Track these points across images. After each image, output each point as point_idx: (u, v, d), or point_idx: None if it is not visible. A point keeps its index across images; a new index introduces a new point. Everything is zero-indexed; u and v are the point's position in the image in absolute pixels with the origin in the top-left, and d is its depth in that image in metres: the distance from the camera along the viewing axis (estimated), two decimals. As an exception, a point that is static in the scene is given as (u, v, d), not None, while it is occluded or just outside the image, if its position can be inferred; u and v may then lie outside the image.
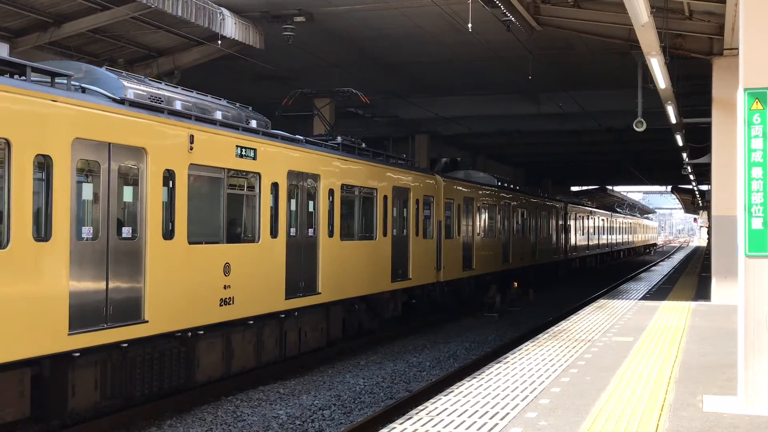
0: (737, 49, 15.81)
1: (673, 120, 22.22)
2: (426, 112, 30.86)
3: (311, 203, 15.06)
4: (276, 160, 13.75)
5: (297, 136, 15.21)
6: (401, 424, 7.22)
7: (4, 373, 8.67)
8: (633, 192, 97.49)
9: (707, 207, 41.27)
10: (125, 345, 10.31)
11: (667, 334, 13.04)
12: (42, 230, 9.12)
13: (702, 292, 21.12)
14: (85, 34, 18.23)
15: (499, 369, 9.94)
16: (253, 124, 13.67)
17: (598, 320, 15.09)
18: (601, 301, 19.20)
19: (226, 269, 12.25)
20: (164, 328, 10.97)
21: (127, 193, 10.46)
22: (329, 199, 15.66)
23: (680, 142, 27.14)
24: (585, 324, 14.52)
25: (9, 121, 8.61)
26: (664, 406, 7.92)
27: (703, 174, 36.33)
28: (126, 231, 10.41)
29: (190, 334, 11.62)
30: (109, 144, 10.01)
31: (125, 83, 10.98)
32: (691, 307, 17.44)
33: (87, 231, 9.77)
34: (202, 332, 11.86)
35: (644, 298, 20.31)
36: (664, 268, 40.47)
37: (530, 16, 17.72)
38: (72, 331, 9.35)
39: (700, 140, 23.47)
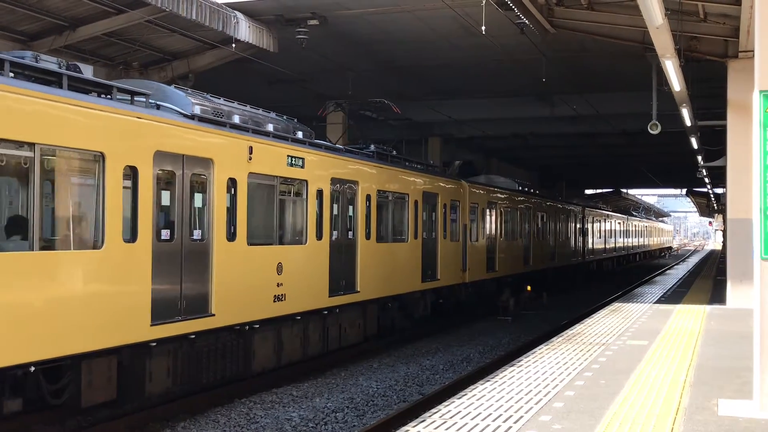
0: (752, 51, 15.72)
1: (688, 123, 22.12)
2: (439, 115, 30.84)
3: (351, 208, 16.26)
4: (321, 168, 15.03)
5: (337, 145, 16.66)
6: (414, 426, 7.21)
7: (97, 359, 9.84)
8: (648, 195, 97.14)
9: (722, 210, 41.07)
10: (193, 336, 11.39)
11: (682, 338, 12.97)
12: (130, 233, 10.26)
13: (717, 295, 20.99)
14: (100, 38, 18.32)
15: (512, 372, 9.92)
16: (299, 134, 14.84)
17: (612, 323, 15.02)
18: (616, 305, 19.11)
19: (279, 269, 13.49)
20: (228, 321, 12.15)
21: (198, 199, 11.70)
22: (366, 203, 16.83)
23: (695, 145, 27.01)
24: (599, 327, 14.46)
25: (104, 136, 9.80)
26: (679, 409, 7.88)
27: (719, 177, 36.08)
28: (196, 233, 11.65)
29: (248, 327, 12.73)
30: (183, 155, 11.27)
31: (192, 100, 12.10)
32: (706, 311, 17.34)
33: (166, 233, 10.94)
34: (257, 326, 12.98)
35: (659, 301, 20.21)
36: (679, 271, 40.27)
37: (544, 18, 17.68)
38: (153, 322, 10.54)
39: (715, 143, 23.37)
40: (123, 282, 10.13)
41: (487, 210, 25.05)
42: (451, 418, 7.55)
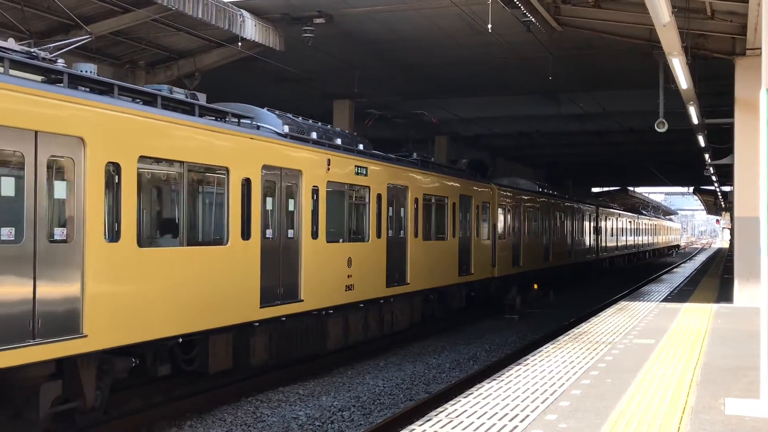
0: (760, 49, 15.64)
1: (695, 120, 22.05)
2: (446, 113, 30.82)
3: (402, 210, 18.38)
4: (380, 176, 17.17)
5: (389, 155, 18.58)
6: (420, 425, 7.21)
7: (219, 335, 12.02)
8: (655, 193, 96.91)
9: (730, 208, 40.96)
10: (284, 318, 13.46)
11: (689, 337, 12.94)
12: (245, 232, 12.47)
13: (724, 294, 20.94)
14: (106, 37, 18.36)
15: (519, 371, 9.91)
16: (360, 146, 16.83)
17: (619, 322, 15.00)
18: (622, 303, 19.08)
19: (349, 262, 15.71)
20: (313, 306, 14.38)
21: (291, 204, 13.92)
22: (414, 206, 18.92)
23: (702, 143, 26.94)
24: (606, 326, 14.43)
25: (229, 154, 12.08)
26: (686, 408, 7.85)
27: (726, 175, 36.00)
28: (291, 233, 13.84)
29: (324, 312, 14.89)
30: (281, 168, 13.49)
31: (281, 120, 14.31)
32: (713, 310, 17.30)
33: (269, 233, 13.17)
34: (331, 311, 15.12)
35: (666, 300, 20.16)
36: (686, 269, 40.18)
37: (550, 16, 17.65)
38: (262, 305, 12.80)
39: (723, 141, 23.29)
40: (241, 272, 12.37)
41: (513, 210, 27.26)
42: (457, 416, 7.55)
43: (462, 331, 21.60)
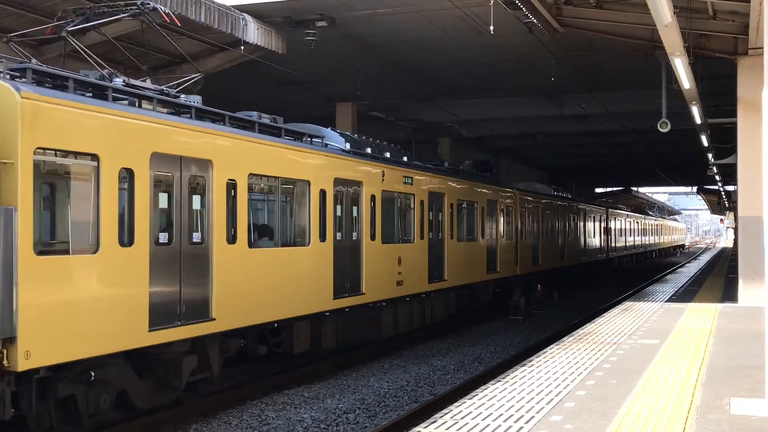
0: (762, 48, 15.63)
1: (698, 120, 22.04)
2: (448, 115, 30.82)
3: (440, 214, 20.32)
4: (422, 184, 19.25)
5: (428, 164, 20.60)
6: (425, 427, 7.22)
7: (301, 322, 14.18)
8: (658, 193, 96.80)
9: (733, 208, 40.90)
10: (347, 309, 15.52)
11: (694, 337, 12.94)
12: (322, 235, 14.65)
13: (729, 293, 20.91)
14: (109, 42, 18.37)
15: (523, 372, 9.91)
16: (404, 158, 19.08)
17: (623, 323, 14.99)
18: (627, 304, 19.07)
19: (399, 261, 17.73)
20: (372, 299, 16.50)
21: (354, 211, 16.06)
22: (450, 210, 20.92)
23: (705, 143, 26.92)
24: (610, 327, 14.43)
25: (310, 169, 14.41)
26: (691, 409, 7.85)
27: (729, 174, 35.95)
28: (354, 235, 16.00)
29: (378, 304, 16.88)
30: (347, 180, 15.68)
31: (343, 138, 16.60)
32: (717, 309, 17.28)
33: (339, 235, 15.33)
34: (384, 303, 17.15)
35: (670, 300, 20.15)
36: (691, 269, 40.13)
37: (552, 17, 17.66)
38: (335, 297, 14.96)
39: (726, 140, 23.28)
40: (320, 268, 14.58)
41: (533, 213, 29.31)
42: (462, 418, 7.56)
43: (466, 332, 21.60)
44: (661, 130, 20.89)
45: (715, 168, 34.70)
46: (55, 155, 9.32)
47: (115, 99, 10.44)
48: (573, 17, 18.04)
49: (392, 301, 17.53)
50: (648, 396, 8.40)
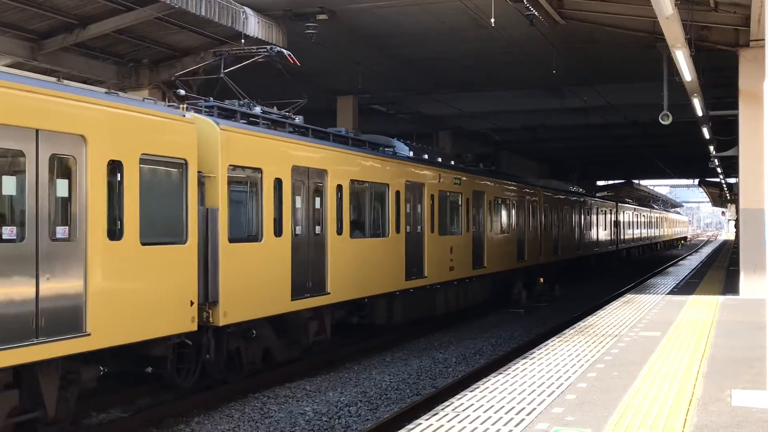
0: (764, 40, 15.60)
1: (700, 113, 22.01)
2: (449, 108, 30.78)
3: (480, 210, 23.30)
4: (467, 184, 22.27)
5: (470, 167, 23.85)
6: (427, 419, 7.23)
7: (379, 299, 17.16)
8: (660, 186, 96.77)
9: (735, 200, 40.87)
10: (412, 290, 18.43)
11: (695, 329, 12.95)
12: (398, 228, 17.77)
13: (730, 286, 20.92)
14: (110, 35, 18.37)
15: (525, 364, 9.92)
16: (452, 162, 22.40)
17: (625, 315, 15.00)
18: (628, 296, 19.08)
19: (451, 250, 20.78)
20: (431, 282, 19.56)
21: (418, 208, 19.05)
22: (489, 207, 24.00)
23: (707, 135, 26.88)
24: (612, 319, 14.44)
25: (389, 175, 17.60)
26: (692, 400, 7.86)
27: (731, 167, 35.91)
28: (418, 228, 18.95)
29: (435, 286, 19.86)
30: (413, 182, 18.70)
31: (407, 146, 19.59)
32: (719, 302, 17.29)
33: (408, 228, 18.29)
34: (439, 286, 20.02)
35: (672, 292, 20.16)
36: (692, 262, 40.14)
37: (553, 9, 17.62)
38: (406, 279, 18.12)
39: (727, 132, 23.25)
40: (395, 255, 17.67)
41: (553, 208, 32.34)
42: (464, 410, 7.57)
43: (468, 325, 21.62)
44: (662, 122, 20.86)
45: (716, 160, 34.66)
46: (234, 170, 12.33)
47: (257, 123, 13.54)
48: (574, 9, 18.00)
49: (445, 283, 20.45)
50: (649, 388, 8.41)
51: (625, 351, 10.83)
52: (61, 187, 9.22)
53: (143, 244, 10.28)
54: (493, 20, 16.13)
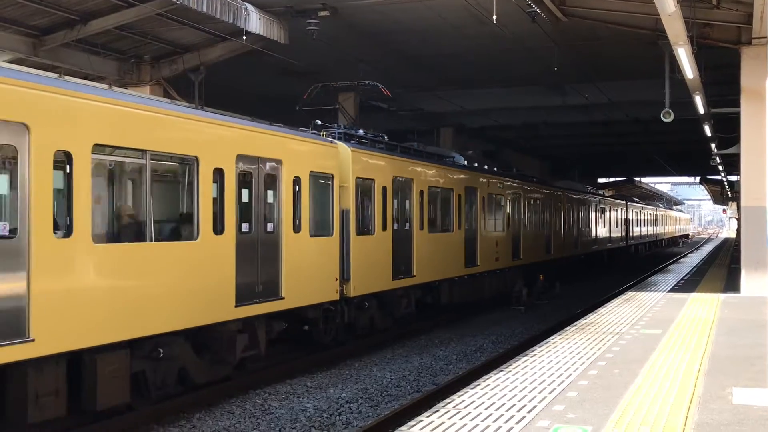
0: (766, 38, 15.59)
1: (701, 110, 21.98)
2: (451, 105, 30.75)
3: (518, 211, 27.28)
4: (508, 188, 26.52)
5: (509, 172, 28.43)
6: (428, 416, 7.23)
7: (446, 282, 20.88)
8: (661, 183, 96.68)
9: (736, 198, 40.83)
10: (466, 276, 22.08)
11: (696, 326, 12.94)
12: (460, 225, 21.73)
13: (731, 283, 20.91)
14: (111, 32, 18.37)
15: (526, 362, 9.92)
16: (495, 168, 26.74)
17: (626, 313, 15.00)
18: (629, 294, 19.07)
19: (496, 244, 24.74)
20: (483, 269, 23.39)
21: (473, 209, 22.91)
22: (524, 208, 28.12)
23: (708, 133, 26.85)
24: (613, 316, 14.44)
25: (455, 181, 21.46)
26: (693, 398, 7.86)
27: (732, 164, 35.87)
28: (473, 225, 22.82)
29: (485, 274, 23.64)
30: (471, 188, 22.64)
31: (462, 156, 24.18)
32: (720, 299, 17.28)
33: (466, 225, 22.12)
34: (486, 274, 23.69)
35: (673, 290, 20.15)
36: (693, 259, 40.12)
37: (555, 6, 17.59)
38: (466, 266, 21.93)
39: (729, 130, 23.19)
40: (457, 247, 21.50)
41: (573, 208, 36.50)
42: (465, 407, 7.57)
43: (469, 322, 21.63)
44: (664, 119, 20.83)
45: (718, 158, 34.60)
46: (358, 181, 16.33)
47: (365, 143, 17.43)
48: (576, 6, 17.97)
49: (491, 272, 24.26)
50: (650, 386, 8.41)
51: (626, 348, 10.82)
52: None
53: (311, 236, 14.42)
54: (494, 17, 16.11)
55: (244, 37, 18.17)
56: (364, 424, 11.07)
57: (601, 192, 47.75)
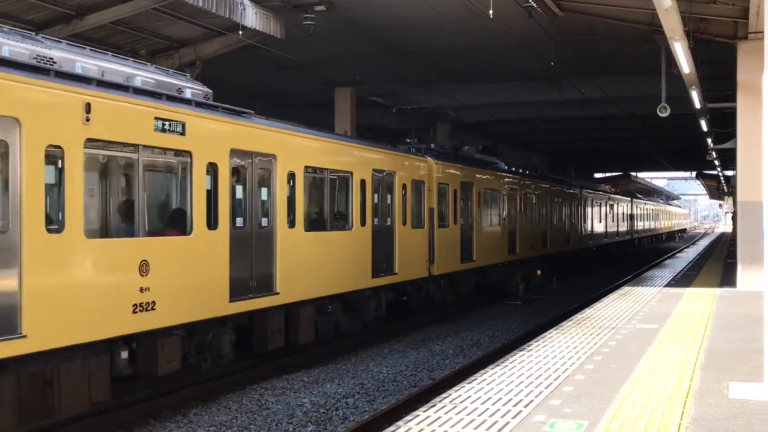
0: (762, 32, 15.56)
1: (698, 105, 21.99)
2: (448, 100, 30.73)
3: (546, 208, 31.18)
4: (536, 188, 30.32)
5: (533, 173, 31.46)
6: (425, 411, 7.23)
7: (492, 267, 24.51)
8: (657, 178, 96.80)
9: (732, 193, 40.90)
10: (507, 263, 25.61)
11: (693, 321, 12.96)
12: (500, 221, 25.55)
13: (727, 278, 20.94)
14: (107, 26, 18.32)
15: (522, 357, 9.93)
16: (504, 166, 28.41)
17: (622, 307, 15.02)
18: (625, 289, 19.10)
19: (511, 237, 26.76)
20: (522, 257, 27.32)
21: (512, 208, 26.62)
22: (550, 205, 32.03)
23: (705, 128, 26.87)
24: (609, 311, 14.45)
25: (500, 183, 25.80)
26: (690, 392, 7.88)
27: (729, 159, 35.87)
28: (514, 221, 26.45)
29: (520, 261, 27.38)
30: (509, 188, 26.32)
31: (501, 161, 27.00)
32: (716, 294, 17.31)
33: (508, 220, 25.70)
34: (500, 264, 25.56)
35: (669, 285, 20.17)
36: (689, 254, 40.18)
37: (552, 1, 17.59)
38: (509, 254, 26.19)
39: (725, 125, 23.23)
40: (503, 238, 25.59)
41: (588, 205, 40.56)
42: (461, 402, 7.58)
43: (465, 317, 21.64)
44: (660, 114, 20.84)
45: (714, 153, 34.65)
46: (433, 183, 20.27)
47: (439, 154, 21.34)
48: (572, 1, 17.96)
49: (533, 257, 28.53)
50: (646, 380, 8.42)
51: (622, 343, 10.84)
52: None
53: (412, 227, 18.89)
54: (491, 12, 16.09)
55: (240, 32, 18.14)
56: (360, 419, 11.08)
57: (608, 188, 53.07)
